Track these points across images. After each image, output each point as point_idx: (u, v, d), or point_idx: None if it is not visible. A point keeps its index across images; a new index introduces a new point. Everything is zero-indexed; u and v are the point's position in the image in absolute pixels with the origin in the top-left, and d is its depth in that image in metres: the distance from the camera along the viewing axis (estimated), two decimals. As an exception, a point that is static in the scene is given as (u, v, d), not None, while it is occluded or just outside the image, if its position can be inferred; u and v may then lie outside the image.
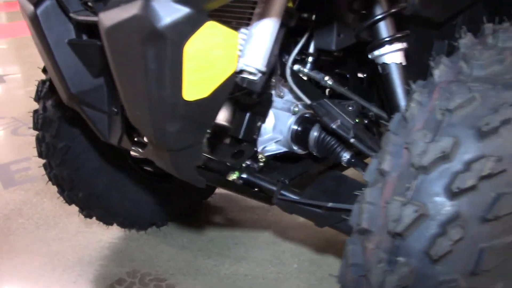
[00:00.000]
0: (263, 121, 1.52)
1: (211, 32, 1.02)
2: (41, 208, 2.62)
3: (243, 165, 1.53)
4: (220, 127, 1.60)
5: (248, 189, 1.54)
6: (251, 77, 1.22)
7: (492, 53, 0.96)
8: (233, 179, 1.51)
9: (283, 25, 1.27)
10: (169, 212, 2.35)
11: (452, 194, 0.84)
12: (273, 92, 1.54)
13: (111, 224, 2.22)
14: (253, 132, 1.50)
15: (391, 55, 1.31)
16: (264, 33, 1.20)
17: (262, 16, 1.19)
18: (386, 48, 1.30)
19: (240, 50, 1.21)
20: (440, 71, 0.99)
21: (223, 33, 1.04)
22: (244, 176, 1.51)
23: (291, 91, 1.54)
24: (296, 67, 1.68)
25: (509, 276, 0.88)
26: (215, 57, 1.07)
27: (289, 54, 1.51)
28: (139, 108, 1.12)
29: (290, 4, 1.29)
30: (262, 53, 1.21)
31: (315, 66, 1.68)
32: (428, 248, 0.84)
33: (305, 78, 1.56)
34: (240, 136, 1.48)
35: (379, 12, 1.30)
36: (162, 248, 2.27)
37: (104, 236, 2.39)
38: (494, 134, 0.85)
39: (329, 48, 1.45)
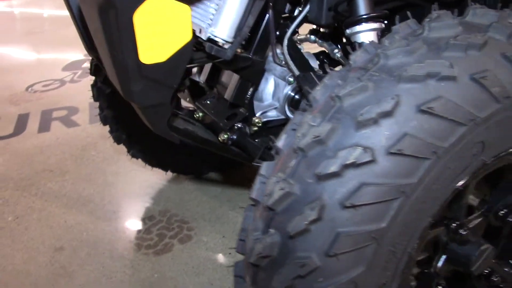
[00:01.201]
0: (256, 87, 1.58)
1: (158, 4, 1.12)
2: (111, 144, 2.94)
3: (235, 127, 1.61)
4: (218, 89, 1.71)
5: (231, 149, 1.63)
6: (218, 45, 1.29)
7: (403, 43, 0.94)
8: (223, 139, 1.61)
9: (259, -3, 1.31)
10: (209, 164, 2.52)
11: (318, 177, 0.88)
12: (270, 58, 1.60)
13: (152, 166, 2.44)
14: (244, 96, 1.57)
15: (366, 34, 1.30)
16: (232, 4, 1.26)
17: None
18: (362, 26, 1.29)
19: (211, 19, 1.30)
20: (356, 56, 1.00)
21: (171, 5, 1.13)
22: (233, 137, 1.61)
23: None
24: (301, 37, 1.71)
25: (370, 263, 0.90)
26: (167, 26, 1.16)
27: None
28: (109, 69, 1.26)
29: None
30: (229, 24, 1.28)
31: (326, 37, 1.70)
32: (288, 224, 0.89)
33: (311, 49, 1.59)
34: (230, 99, 1.57)
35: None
36: (196, 195, 2.47)
37: (153, 176, 2.64)
38: (370, 125, 0.87)
39: (319, 22, 1.46)
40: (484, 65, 0.91)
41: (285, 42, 1.54)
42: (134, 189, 2.55)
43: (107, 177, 2.67)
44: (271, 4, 1.40)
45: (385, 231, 0.88)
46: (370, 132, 0.86)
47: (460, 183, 0.96)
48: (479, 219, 1.16)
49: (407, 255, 0.95)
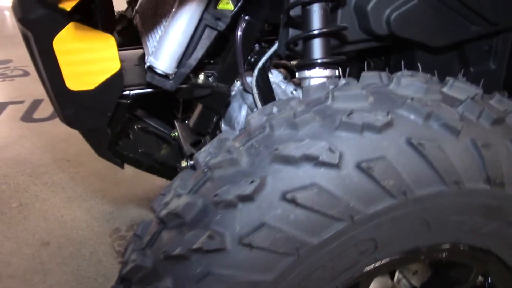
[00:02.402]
0: (219, 116, 1.49)
1: (77, 32, 1.06)
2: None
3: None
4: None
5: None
6: (159, 76, 1.22)
7: (290, 113, 0.82)
8: (183, 167, 1.54)
9: (210, 28, 1.22)
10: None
11: (165, 257, 0.79)
12: (239, 87, 1.50)
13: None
14: (207, 125, 1.49)
15: (315, 81, 1.16)
16: (173, 35, 1.18)
17: (173, 17, 1.17)
18: (311, 72, 1.16)
19: (154, 47, 1.23)
20: (252, 118, 0.89)
21: (91, 34, 1.07)
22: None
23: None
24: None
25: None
26: (91, 55, 1.11)
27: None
28: (46, 93, 1.23)
29: (227, 6, 1.23)
30: (169, 55, 1.19)
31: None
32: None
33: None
34: (192, 126, 1.50)
35: (314, 27, 1.15)
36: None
37: (161, 181, 2.61)
38: (226, 208, 0.76)
39: (282, 54, 1.34)
40: (380, 152, 0.76)
41: (255, 72, 1.43)
42: (137, 193, 2.54)
43: (117, 175, 2.68)
44: (239, 35, 1.30)
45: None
46: (225, 216, 0.76)
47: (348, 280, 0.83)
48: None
49: None
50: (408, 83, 0.85)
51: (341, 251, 0.78)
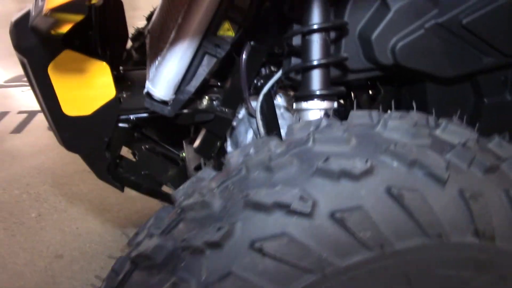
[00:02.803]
0: (222, 141, 1.47)
1: (70, 60, 1.06)
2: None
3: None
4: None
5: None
6: (157, 102, 1.21)
7: (265, 156, 0.79)
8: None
9: (209, 55, 1.21)
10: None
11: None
12: (244, 112, 1.48)
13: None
14: (209, 149, 1.47)
15: (313, 113, 1.13)
16: (169, 62, 1.17)
17: (171, 44, 1.16)
18: (309, 104, 1.13)
19: (152, 73, 1.22)
20: (232, 156, 0.86)
21: (85, 61, 1.07)
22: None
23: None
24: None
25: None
26: (85, 81, 1.11)
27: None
28: (45, 117, 1.24)
29: (229, 32, 1.21)
30: (165, 82, 1.18)
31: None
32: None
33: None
34: (195, 150, 1.48)
35: (313, 58, 1.12)
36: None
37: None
38: (193, 254, 0.74)
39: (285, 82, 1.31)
40: (357, 201, 0.73)
41: (260, 98, 1.40)
42: (153, 207, 2.54)
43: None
44: (243, 59, 1.28)
45: None
46: (192, 263, 0.73)
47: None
48: None
49: None
50: (395, 126, 0.81)
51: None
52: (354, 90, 1.54)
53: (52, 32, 1.00)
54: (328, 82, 1.13)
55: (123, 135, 1.29)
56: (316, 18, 1.11)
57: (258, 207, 0.72)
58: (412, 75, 1.26)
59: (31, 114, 3.78)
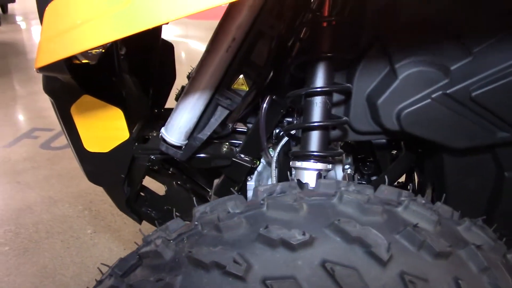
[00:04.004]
0: (239, 186, 1.52)
1: (88, 104, 1.18)
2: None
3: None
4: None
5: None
6: (171, 146, 1.30)
7: (213, 217, 0.84)
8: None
9: (222, 107, 1.28)
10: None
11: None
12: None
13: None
14: (227, 193, 1.52)
15: (308, 173, 1.16)
16: (181, 111, 1.25)
17: (185, 94, 1.25)
18: (304, 164, 1.16)
19: (168, 120, 1.31)
20: (197, 211, 0.92)
21: (101, 106, 1.19)
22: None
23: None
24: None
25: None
26: (103, 123, 1.22)
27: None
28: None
29: (243, 86, 1.28)
30: (177, 129, 1.27)
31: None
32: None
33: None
34: (213, 193, 1.55)
35: (311, 119, 1.16)
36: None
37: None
38: None
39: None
40: (292, 271, 0.75)
41: (277, 149, 1.45)
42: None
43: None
44: (263, 111, 1.34)
45: None
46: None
47: None
48: None
49: None
50: (350, 200, 0.83)
51: None
52: (377, 149, 1.53)
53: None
54: (325, 144, 1.15)
55: (143, 172, 1.38)
56: (318, 81, 1.14)
57: (199, 264, 0.77)
58: (424, 142, 1.25)
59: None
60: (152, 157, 1.39)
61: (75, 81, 1.09)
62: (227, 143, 1.47)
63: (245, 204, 0.87)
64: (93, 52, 1.17)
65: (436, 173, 1.33)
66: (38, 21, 0.86)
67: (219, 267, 0.76)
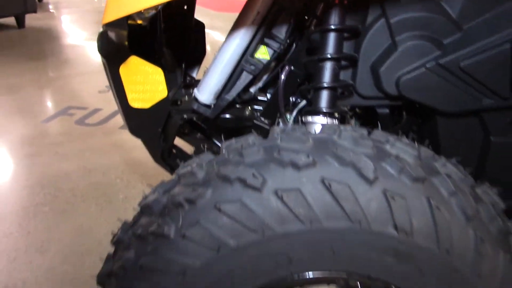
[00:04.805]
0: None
1: (135, 64, 1.41)
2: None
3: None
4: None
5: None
6: (201, 105, 1.53)
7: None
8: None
9: (246, 72, 1.50)
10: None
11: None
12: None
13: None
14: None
15: (318, 127, 1.37)
16: (211, 74, 1.48)
17: (216, 59, 1.47)
18: (313, 118, 1.37)
19: (200, 82, 1.54)
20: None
21: (145, 67, 1.41)
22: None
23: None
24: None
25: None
26: (146, 81, 1.45)
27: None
28: (118, 107, 1.61)
29: (264, 55, 1.50)
30: (207, 89, 1.49)
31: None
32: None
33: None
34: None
35: (323, 81, 1.36)
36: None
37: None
38: (172, 208, 1.02)
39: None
40: (297, 185, 0.96)
41: (294, 113, 1.66)
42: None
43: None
44: (282, 80, 1.55)
45: None
46: (175, 212, 1.01)
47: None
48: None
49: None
50: (347, 136, 1.03)
51: (257, 258, 0.99)
52: (381, 119, 1.72)
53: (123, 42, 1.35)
54: (333, 102, 1.36)
55: (175, 128, 1.61)
56: (329, 49, 1.35)
57: (225, 179, 0.99)
58: (420, 106, 1.44)
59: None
60: (185, 116, 1.62)
61: (127, 40, 1.31)
62: (249, 107, 1.68)
63: (262, 140, 1.08)
64: (146, 15, 1.39)
65: (432, 137, 1.53)
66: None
67: (241, 181, 0.97)
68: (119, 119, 4.29)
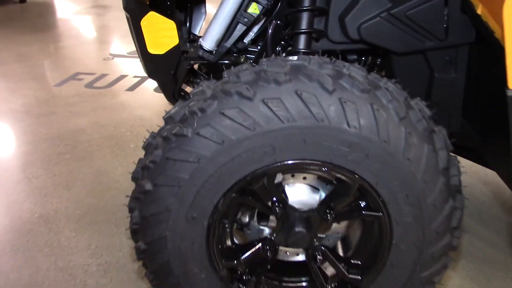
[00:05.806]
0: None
1: (153, 18, 1.79)
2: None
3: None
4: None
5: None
6: (205, 52, 1.91)
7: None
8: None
9: (241, 24, 1.89)
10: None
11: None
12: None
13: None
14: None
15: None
16: (213, 24, 1.86)
17: (217, 13, 1.85)
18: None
19: (204, 32, 1.92)
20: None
21: (161, 20, 1.79)
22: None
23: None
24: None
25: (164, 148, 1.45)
26: (162, 31, 1.83)
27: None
28: (138, 55, 1.99)
29: (255, 10, 1.88)
30: (210, 38, 1.88)
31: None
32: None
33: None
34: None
35: (300, 27, 1.75)
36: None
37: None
38: (189, 116, 1.42)
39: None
40: (278, 95, 1.36)
41: (279, 59, 2.04)
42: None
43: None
44: (269, 33, 1.93)
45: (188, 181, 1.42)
46: (192, 117, 1.41)
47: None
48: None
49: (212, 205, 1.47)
50: (315, 62, 1.43)
51: (251, 149, 1.39)
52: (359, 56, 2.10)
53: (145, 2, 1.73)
54: (309, 44, 1.75)
55: (184, 72, 2.00)
56: (306, 2, 1.73)
57: (227, 93, 1.39)
58: (375, 48, 1.83)
59: (143, 79, 4.70)
60: (192, 62, 2.00)
61: (147, -1, 1.70)
62: (244, 56, 2.07)
63: (251, 67, 1.47)
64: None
65: (389, 74, 1.93)
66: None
67: (238, 94, 1.37)
68: (125, 83, 4.67)
